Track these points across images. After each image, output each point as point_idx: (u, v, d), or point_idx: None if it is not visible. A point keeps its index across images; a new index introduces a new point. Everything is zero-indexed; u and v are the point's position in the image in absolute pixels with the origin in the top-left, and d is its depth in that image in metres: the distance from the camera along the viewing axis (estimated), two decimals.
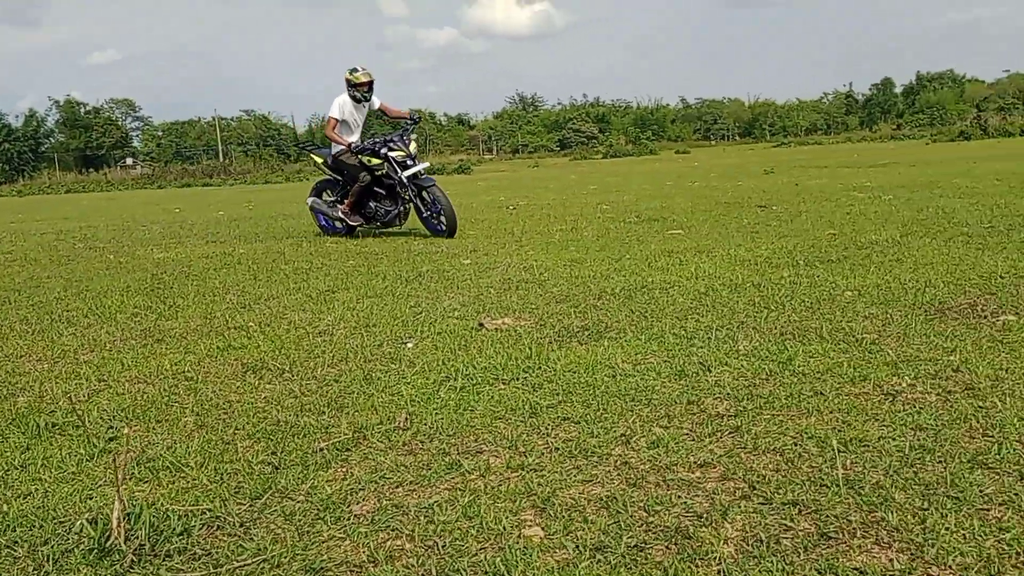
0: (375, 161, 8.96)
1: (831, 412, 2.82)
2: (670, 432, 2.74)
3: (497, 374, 3.51)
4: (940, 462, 2.38)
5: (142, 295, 6.11)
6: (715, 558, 1.96)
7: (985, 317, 3.92)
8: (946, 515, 2.07)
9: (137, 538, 2.17)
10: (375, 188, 9.20)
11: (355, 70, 9.13)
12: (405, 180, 8.85)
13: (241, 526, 2.29)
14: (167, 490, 2.54)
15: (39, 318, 5.39)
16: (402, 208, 9.20)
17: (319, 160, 9.79)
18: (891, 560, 1.91)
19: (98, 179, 49.81)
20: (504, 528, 2.17)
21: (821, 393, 3.01)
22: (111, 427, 3.14)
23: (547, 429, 2.85)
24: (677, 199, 12.37)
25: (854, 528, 2.05)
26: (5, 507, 2.45)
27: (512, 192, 17.80)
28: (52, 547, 2.20)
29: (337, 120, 9.19)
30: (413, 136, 9.30)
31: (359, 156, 9.00)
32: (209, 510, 2.37)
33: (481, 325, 4.41)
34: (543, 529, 2.15)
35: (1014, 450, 2.43)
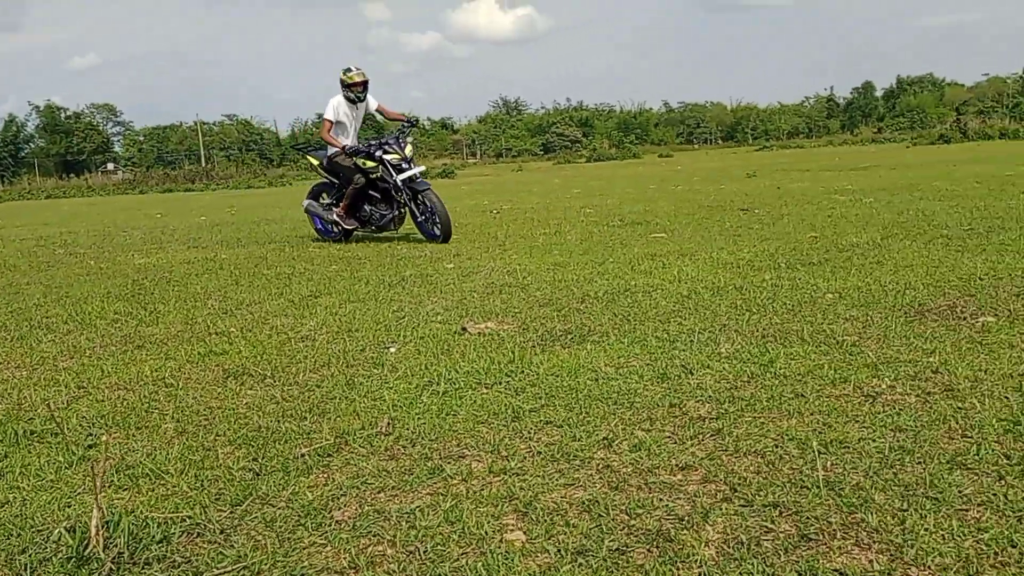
0: (369, 164, 8.81)
1: (812, 414, 2.83)
2: (652, 435, 2.75)
3: (480, 378, 3.50)
4: (919, 463, 2.39)
5: (122, 301, 6.07)
6: (696, 561, 1.96)
7: (964, 319, 3.95)
8: (925, 516, 2.09)
9: (116, 546, 2.16)
10: (370, 191, 9.08)
11: (349, 70, 9.01)
12: (400, 183, 8.73)
13: (221, 533, 2.27)
14: (147, 497, 2.52)
15: (18, 325, 5.34)
16: (397, 212, 9.06)
17: (315, 162, 9.63)
18: (871, 561, 1.92)
19: (79, 184, 49.33)
20: (486, 533, 2.17)
21: (802, 395, 3.02)
22: (90, 434, 3.11)
23: (529, 433, 2.85)
24: (660, 203, 12.41)
25: (834, 529, 2.06)
26: None
27: (496, 196, 17.80)
28: (30, 556, 2.18)
29: (332, 122, 9.04)
30: (409, 139, 9.17)
31: (353, 158, 8.87)
32: (189, 517, 2.35)
33: (464, 329, 4.40)
34: (525, 533, 2.15)
35: (993, 451, 2.45)
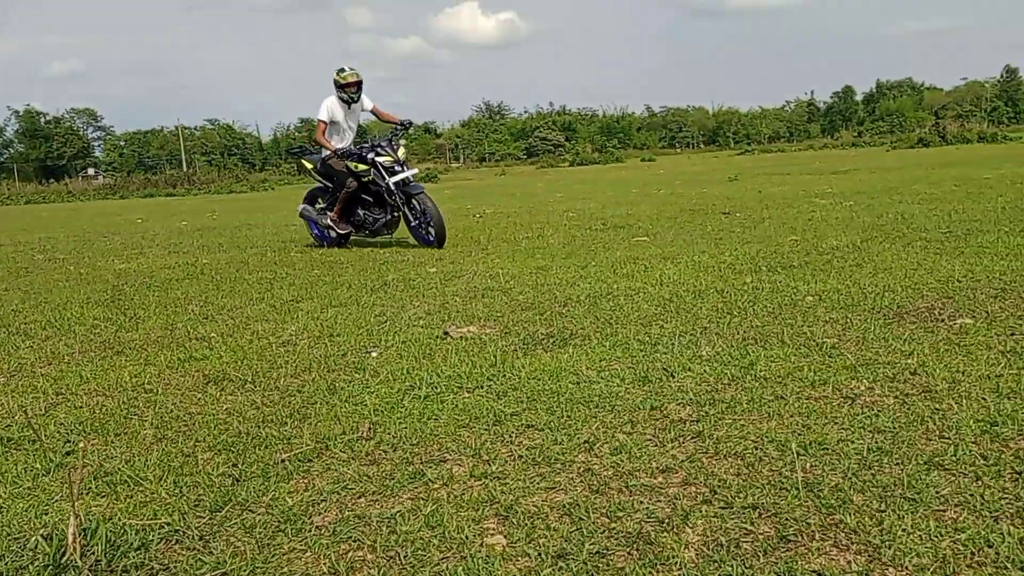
0: (362, 167, 8.65)
1: (791, 416, 2.84)
2: (633, 438, 2.75)
3: (461, 382, 3.50)
4: (897, 464, 2.41)
5: (102, 307, 6.02)
6: (676, 563, 1.97)
7: (942, 321, 3.98)
8: (903, 516, 2.10)
9: (93, 554, 2.14)
10: (362, 195, 8.92)
11: (342, 70, 8.84)
12: (392, 186, 8.55)
13: (200, 539, 2.26)
14: (125, 504, 2.50)
15: None
16: (391, 216, 8.89)
17: (309, 166, 9.47)
18: (849, 562, 1.93)
19: (59, 190, 48.95)
20: (467, 537, 2.16)
21: (782, 397, 3.04)
22: (68, 441, 3.09)
23: (511, 437, 2.85)
24: (643, 206, 12.45)
25: (813, 531, 2.07)
26: None
27: (479, 200, 17.80)
28: (6, 564, 2.15)
29: (326, 123, 8.86)
30: (402, 142, 9.00)
31: (345, 161, 8.72)
32: (168, 524, 2.34)
33: (446, 333, 4.40)
34: (506, 537, 2.15)
35: (970, 451, 2.47)
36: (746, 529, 2.10)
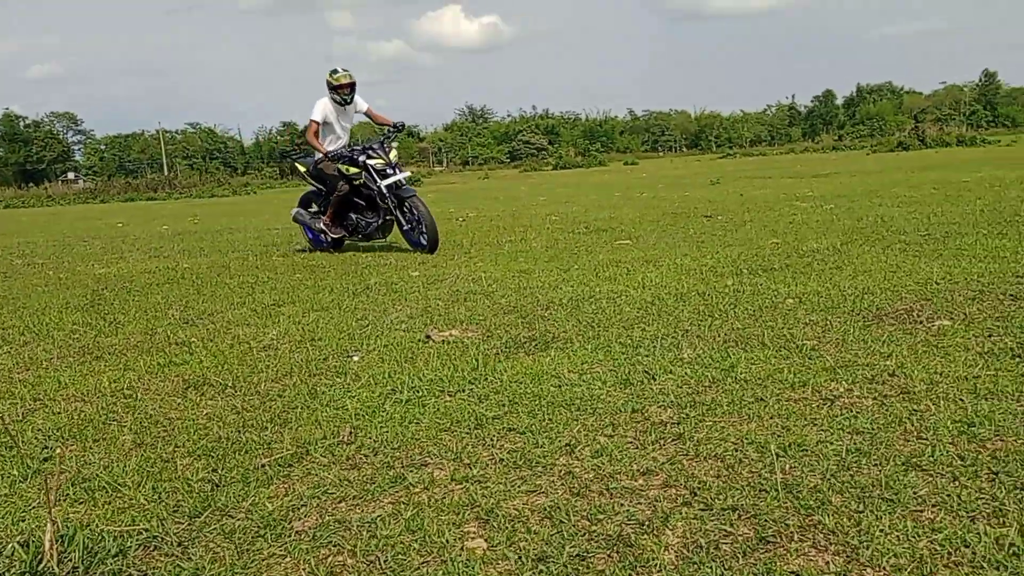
0: (353, 170, 8.52)
1: (771, 417, 2.86)
2: (614, 441, 2.76)
3: (443, 386, 3.50)
4: (876, 465, 2.43)
5: (81, 311, 5.98)
6: (656, 565, 1.97)
7: (921, 322, 4.01)
8: (881, 517, 2.11)
9: (70, 560, 2.12)
10: (355, 199, 8.79)
11: (335, 71, 8.71)
12: (384, 190, 8.42)
13: (179, 545, 2.24)
14: (103, 511, 2.48)
15: None
16: (384, 220, 8.74)
17: (302, 169, 9.33)
18: (827, 563, 1.94)
19: (39, 194, 48.53)
20: (447, 541, 2.16)
21: (762, 399, 3.05)
22: (46, 447, 3.05)
23: (492, 440, 2.84)
24: (625, 210, 12.48)
25: (792, 532, 2.08)
26: None
27: (462, 204, 17.79)
28: None
29: (318, 123, 8.70)
30: (395, 144, 8.82)
31: (337, 164, 8.58)
32: (146, 530, 2.32)
33: (428, 337, 4.39)
34: (486, 541, 2.15)
35: (947, 452, 2.49)
36: (726, 531, 2.11)
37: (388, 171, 8.48)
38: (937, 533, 2.03)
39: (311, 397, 3.48)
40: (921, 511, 2.14)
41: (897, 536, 2.02)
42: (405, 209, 8.50)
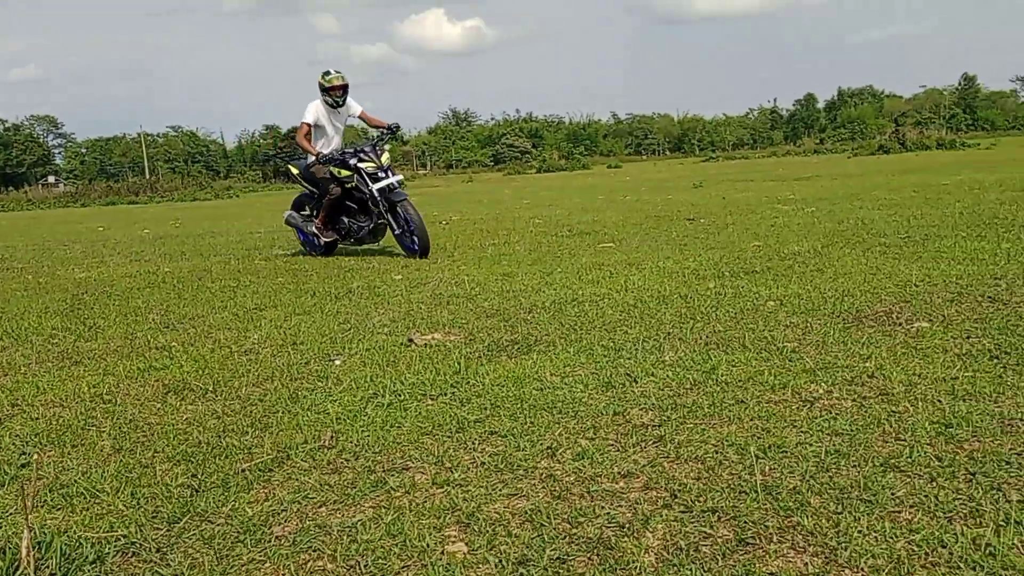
0: (344, 172, 8.45)
1: (751, 419, 2.87)
2: (595, 443, 2.76)
3: (425, 390, 3.49)
4: (854, 466, 2.44)
5: (61, 316, 5.93)
6: (636, 567, 1.98)
7: (900, 324, 4.04)
8: (859, 518, 2.13)
9: (48, 567, 2.10)
10: (347, 202, 8.72)
11: (328, 73, 8.65)
12: (375, 193, 8.35)
13: (158, 552, 2.23)
14: (81, 517, 2.46)
15: None
16: (376, 223, 8.66)
17: (295, 171, 9.26)
18: (806, 564, 1.95)
19: (18, 198, 48.12)
20: (428, 545, 2.16)
21: (742, 401, 3.06)
22: (23, 453, 3.03)
23: (474, 444, 2.84)
24: (609, 213, 12.51)
25: (771, 533, 2.09)
26: None
27: (445, 207, 17.79)
28: None
29: (310, 125, 8.61)
30: (387, 147, 8.76)
31: (328, 167, 8.51)
32: (124, 536, 2.30)
33: (410, 341, 4.38)
34: (467, 545, 2.15)
35: (925, 453, 2.51)
36: (705, 533, 2.12)
37: (380, 174, 8.41)
38: (915, 534, 2.04)
39: (292, 401, 3.47)
40: (899, 512, 2.16)
41: (875, 537, 2.04)
42: (396, 213, 8.43)
